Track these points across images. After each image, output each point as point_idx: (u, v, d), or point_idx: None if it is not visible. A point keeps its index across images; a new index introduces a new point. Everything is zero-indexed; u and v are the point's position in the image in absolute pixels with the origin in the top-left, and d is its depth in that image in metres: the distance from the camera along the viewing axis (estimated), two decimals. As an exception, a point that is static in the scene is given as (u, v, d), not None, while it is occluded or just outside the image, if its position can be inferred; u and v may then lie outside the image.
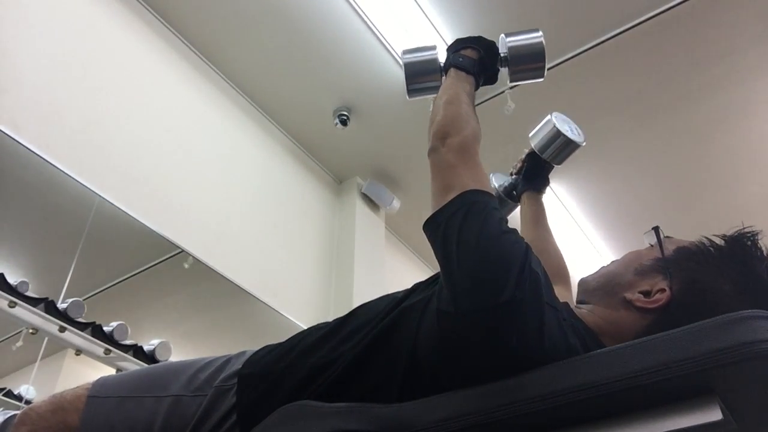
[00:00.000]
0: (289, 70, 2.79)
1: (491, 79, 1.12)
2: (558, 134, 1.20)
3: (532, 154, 1.31)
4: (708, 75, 2.78)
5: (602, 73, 2.79)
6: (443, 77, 1.08)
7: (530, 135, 1.27)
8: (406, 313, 0.80)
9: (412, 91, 1.14)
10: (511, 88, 1.19)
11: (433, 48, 1.13)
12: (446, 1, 2.50)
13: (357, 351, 0.79)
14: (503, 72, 1.13)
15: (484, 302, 0.69)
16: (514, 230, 0.78)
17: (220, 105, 2.79)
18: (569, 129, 1.22)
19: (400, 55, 1.10)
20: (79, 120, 2.09)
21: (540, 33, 1.10)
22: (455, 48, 1.09)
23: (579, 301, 0.88)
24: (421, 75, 1.12)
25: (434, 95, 1.05)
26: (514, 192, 1.38)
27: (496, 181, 1.40)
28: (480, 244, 0.72)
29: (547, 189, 1.40)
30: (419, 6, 2.48)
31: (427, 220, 0.81)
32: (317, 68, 2.79)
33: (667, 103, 2.93)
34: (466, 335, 0.71)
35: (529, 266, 0.71)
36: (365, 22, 2.56)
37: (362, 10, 2.50)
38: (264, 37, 2.65)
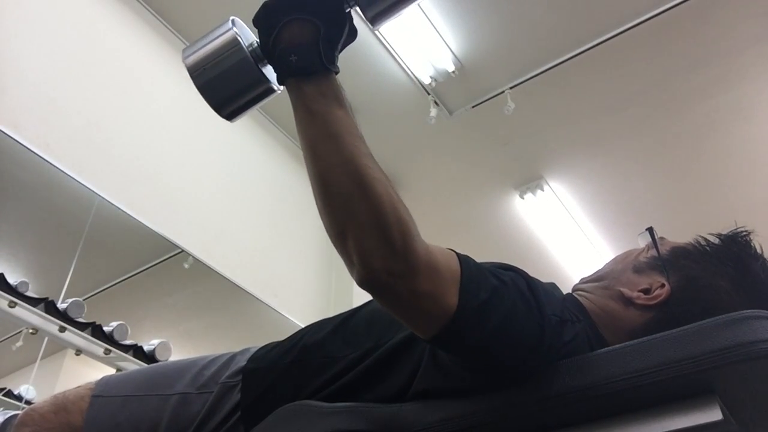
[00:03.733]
0: (289, 70, 2.79)
1: (348, 41, 0.72)
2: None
3: None
4: (707, 75, 2.78)
5: (602, 73, 2.79)
6: (266, 67, 0.69)
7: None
8: (416, 338, 0.79)
9: (230, 116, 0.69)
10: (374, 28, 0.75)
11: (228, 31, 0.68)
12: (446, 0, 2.50)
13: (364, 364, 0.78)
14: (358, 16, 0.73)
15: (509, 377, 0.70)
16: (518, 296, 0.69)
17: (220, 105, 2.79)
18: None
19: (183, 59, 0.68)
20: (79, 120, 2.09)
21: None
22: (269, 30, 0.66)
23: (576, 288, 0.88)
24: (229, 87, 0.67)
25: (266, 99, 0.71)
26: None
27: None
28: (502, 347, 0.67)
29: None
30: (419, 6, 2.48)
31: (433, 341, 0.67)
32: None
33: (667, 103, 2.93)
34: (486, 383, 0.71)
35: (547, 320, 0.69)
36: (365, 22, 2.56)
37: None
38: (264, 37, 2.65)
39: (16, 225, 2.10)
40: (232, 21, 0.68)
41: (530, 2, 2.50)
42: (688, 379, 0.61)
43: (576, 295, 0.85)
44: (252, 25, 0.70)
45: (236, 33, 0.66)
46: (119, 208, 2.10)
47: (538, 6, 2.51)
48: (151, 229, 2.19)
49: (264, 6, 0.67)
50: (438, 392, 0.73)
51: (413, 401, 0.74)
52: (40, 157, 1.90)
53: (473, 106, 2.94)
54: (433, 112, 2.85)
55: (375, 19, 0.70)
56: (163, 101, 2.50)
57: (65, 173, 1.96)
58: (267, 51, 0.67)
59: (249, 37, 0.69)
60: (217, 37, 0.66)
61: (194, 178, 2.50)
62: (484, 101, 2.92)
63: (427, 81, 2.77)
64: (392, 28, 2.58)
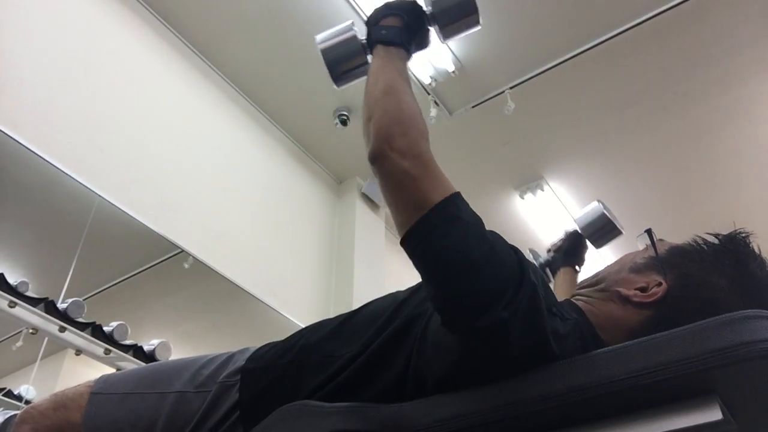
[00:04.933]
0: (289, 70, 2.79)
1: (422, 43, 1.01)
2: (606, 221, 1.32)
3: (576, 235, 1.42)
4: (708, 75, 2.78)
5: (602, 73, 2.79)
6: (369, 55, 0.99)
7: (576, 217, 1.37)
8: (409, 327, 0.79)
9: (338, 79, 1.04)
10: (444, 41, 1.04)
11: (350, 26, 1.03)
12: (446, 1, 2.50)
13: (362, 358, 0.78)
14: (435, 31, 1.03)
15: (471, 324, 0.68)
16: (500, 243, 0.73)
17: (220, 105, 2.79)
18: (613, 218, 1.32)
19: (317, 43, 1.04)
20: (79, 120, 2.09)
21: None
22: (375, 19, 0.99)
23: (573, 294, 0.88)
24: (343, 60, 1.02)
25: (366, 77, 0.96)
26: (549, 268, 1.44)
27: (534, 258, 1.39)
28: (466, 268, 0.69)
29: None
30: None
31: (404, 237, 0.74)
32: (317, 68, 2.76)
33: (667, 103, 2.93)
34: (465, 350, 0.71)
35: (527, 280, 0.69)
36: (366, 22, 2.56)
37: (362, 10, 2.50)
38: (264, 37, 2.65)
39: (16, 225, 2.10)
40: (352, 23, 1.02)
41: (530, 2, 2.50)
42: (688, 379, 0.61)
43: (573, 300, 0.86)
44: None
45: (356, 32, 1.01)
46: (119, 208, 2.10)
47: (538, 6, 2.51)
48: (151, 229, 2.19)
49: (374, 9, 1.00)
50: (432, 375, 0.73)
51: (413, 400, 0.74)
52: (40, 157, 1.90)
53: (473, 106, 2.94)
54: (433, 112, 2.85)
55: (445, 32, 1.01)
56: (163, 101, 2.50)
57: (65, 173, 1.96)
58: (369, 36, 0.97)
59: (359, 34, 1.02)
60: (343, 33, 1.01)
61: (194, 178, 2.51)
62: (484, 101, 2.92)
63: (427, 81, 2.77)
64: (392, 28, 2.57)
